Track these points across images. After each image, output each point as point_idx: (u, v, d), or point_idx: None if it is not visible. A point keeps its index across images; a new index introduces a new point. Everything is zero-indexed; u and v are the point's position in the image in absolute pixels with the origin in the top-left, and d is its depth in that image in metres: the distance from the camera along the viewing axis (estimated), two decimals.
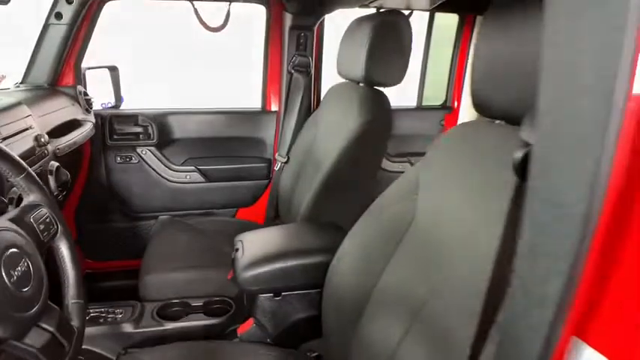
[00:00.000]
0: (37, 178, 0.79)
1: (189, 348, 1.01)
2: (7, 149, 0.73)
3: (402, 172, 2.16)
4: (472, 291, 0.62)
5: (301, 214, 1.41)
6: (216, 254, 1.51)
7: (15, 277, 0.62)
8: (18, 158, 0.75)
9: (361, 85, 1.47)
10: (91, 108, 1.65)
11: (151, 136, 1.77)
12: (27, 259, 0.66)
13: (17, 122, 1.10)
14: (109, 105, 1.84)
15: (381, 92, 1.41)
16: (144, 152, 1.78)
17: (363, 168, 1.39)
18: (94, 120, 1.64)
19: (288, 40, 1.77)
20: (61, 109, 1.45)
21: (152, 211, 1.87)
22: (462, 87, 2.18)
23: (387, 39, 1.35)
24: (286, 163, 1.81)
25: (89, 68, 1.74)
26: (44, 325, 0.69)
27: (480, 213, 0.70)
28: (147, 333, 1.21)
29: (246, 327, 1.13)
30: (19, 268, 0.63)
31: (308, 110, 1.87)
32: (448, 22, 2.13)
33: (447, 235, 0.76)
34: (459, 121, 2.22)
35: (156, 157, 1.80)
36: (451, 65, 2.18)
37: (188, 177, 1.85)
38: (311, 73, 1.83)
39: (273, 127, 1.92)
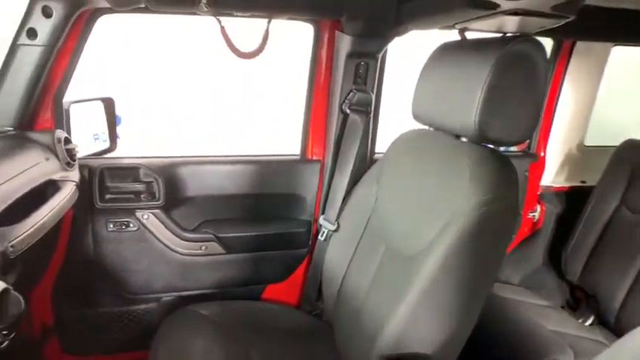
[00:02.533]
0: None
1: None
2: None
3: None
4: None
5: (381, 335, 0.95)
6: None
7: None
8: None
9: (464, 140, 1.02)
10: (74, 161, 1.19)
11: (157, 195, 1.31)
12: None
13: None
14: (102, 140, 1.39)
15: (501, 154, 0.96)
16: (145, 217, 1.32)
17: (480, 269, 0.92)
18: (77, 178, 1.19)
19: (344, 70, 1.31)
20: (26, 171, 1.00)
21: (154, 292, 1.40)
22: (550, 130, 1.72)
23: (516, 76, 0.90)
24: (335, 231, 1.36)
25: (75, 102, 1.29)
26: None
27: None
28: None
29: None
30: None
31: (364, 161, 1.41)
32: None
33: None
34: (547, 172, 1.76)
35: (162, 222, 1.34)
36: None
37: (204, 248, 1.39)
38: (371, 112, 1.38)
39: (315, 180, 1.46)
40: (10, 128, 1.15)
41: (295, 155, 1.50)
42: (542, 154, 1.72)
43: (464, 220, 0.88)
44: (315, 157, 1.47)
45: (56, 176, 1.11)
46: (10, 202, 0.88)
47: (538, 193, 1.76)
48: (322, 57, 1.37)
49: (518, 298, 1.54)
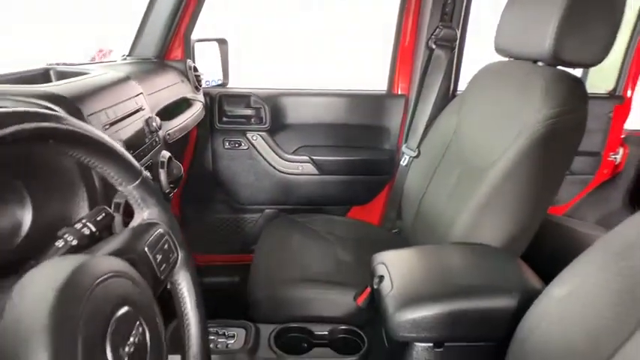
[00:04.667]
0: (155, 186, 0.56)
1: None
2: (117, 146, 0.50)
3: None
4: None
5: (451, 231, 1.10)
6: (335, 266, 1.26)
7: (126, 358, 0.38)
8: (131, 159, 0.52)
9: (540, 64, 1.11)
10: (201, 85, 1.45)
11: (263, 119, 1.55)
12: (142, 321, 0.42)
13: (127, 102, 0.90)
14: (216, 82, 1.65)
15: (575, 76, 1.04)
16: (254, 138, 1.57)
17: (543, 178, 1.03)
18: (203, 99, 1.45)
19: (432, 7, 1.43)
20: (170, 86, 1.26)
21: (258, 203, 1.66)
22: None
23: (592, 1, 0.97)
24: (416, 157, 1.50)
25: (198, 40, 1.55)
26: None
27: None
28: None
29: None
30: (132, 339, 0.39)
31: (447, 94, 1.53)
32: None
33: None
34: (633, 116, 1.75)
35: (267, 143, 1.58)
36: (629, 42, 1.70)
37: (300, 168, 1.61)
38: (455, 48, 1.48)
39: (399, 113, 1.61)
40: (153, 57, 1.43)
41: (382, 91, 1.65)
42: (627, 95, 1.71)
43: (534, 130, 0.97)
44: (400, 92, 1.61)
45: (189, 95, 1.37)
46: (164, 105, 1.14)
47: (622, 136, 1.76)
48: None
49: (593, 233, 1.60)
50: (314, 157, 1.60)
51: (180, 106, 1.31)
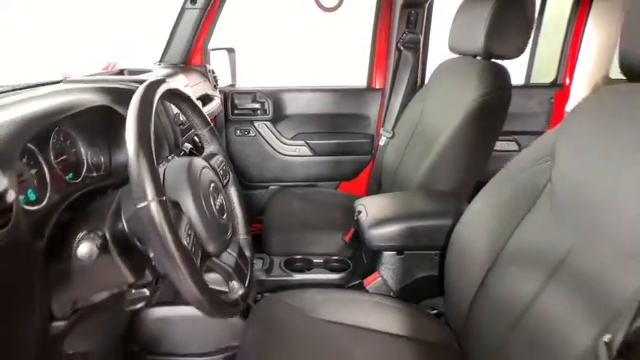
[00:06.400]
0: (217, 132, 0.92)
1: (325, 293, 1.10)
2: (200, 105, 0.86)
3: (509, 152, 2.09)
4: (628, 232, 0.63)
5: (414, 184, 1.46)
6: (328, 220, 1.61)
7: (217, 206, 0.74)
8: (205, 114, 0.88)
9: (478, 58, 1.47)
10: (217, 85, 1.82)
11: (267, 111, 1.92)
12: (222, 195, 0.78)
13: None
14: (224, 84, 2.01)
15: (501, 65, 1.40)
16: (260, 126, 1.93)
17: (479, 143, 1.38)
18: (219, 96, 1.81)
19: (399, 17, 1.80)
20: (197, 84, 1.62)
21: (264, 181, 2.02)
22: (576, 63, 2.08)
23: (510, 10, 1.33)
24: (391, 138, 1.86)
25: (213, 49, 1.91)
26: (231, 251, 0.81)
27: (627, 174, 0.67)
28: (277, 282, 1.34)
29: (373, 280, 1.21)
30: (218, 200, 0.75)
31: (414, 87, 1.90)
32: None
33: (594, 192, 0.75)
34: (572, 99, 2.12)
35: (270, 131, 1.94)
36: (565, 39, 2.08)
37: (297, 150, 1.97)
38: (419, 49, 1.85)
39: (377, 104, 1.98)
40: (179, 63, 1.79)
41: (362, 86, 2.02)
42: (566, 83, 2.08)
43: (470, 106, 1.32)
44: (377, 87, 1.98)
45: (209, 92, 1.73)
46: (197, 96, 1.50)
47: (565, 117, 2.12)
48: (384, 8, 1.87)
49: None
50: (309, 142, 1.96)
51: (203, 100, 1.67)
